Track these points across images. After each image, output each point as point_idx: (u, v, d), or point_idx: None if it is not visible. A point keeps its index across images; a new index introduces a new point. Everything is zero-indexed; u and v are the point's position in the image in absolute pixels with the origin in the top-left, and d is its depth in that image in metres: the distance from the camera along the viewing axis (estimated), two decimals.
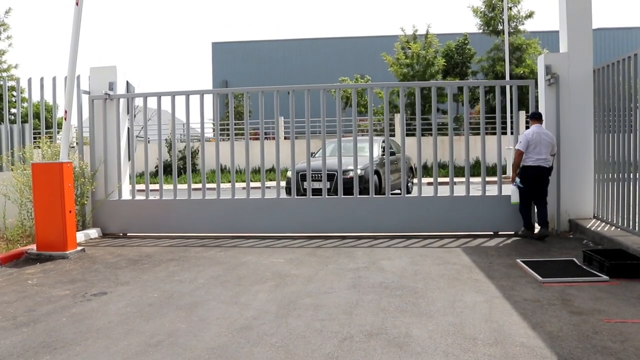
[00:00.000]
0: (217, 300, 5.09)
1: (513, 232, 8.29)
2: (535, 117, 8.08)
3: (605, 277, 5.44)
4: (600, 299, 4.77)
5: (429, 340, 3.88)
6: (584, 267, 5.95)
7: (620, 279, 5.41)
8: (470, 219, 8.44)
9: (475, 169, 22.36)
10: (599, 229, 7.59)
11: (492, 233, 8.40)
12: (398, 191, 14.87)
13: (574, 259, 6.31)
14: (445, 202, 8.61)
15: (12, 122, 10.11)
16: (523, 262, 6.23)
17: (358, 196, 8.76)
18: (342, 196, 8.82)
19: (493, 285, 5.34)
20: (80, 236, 8.37)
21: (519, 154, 7.91)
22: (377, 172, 12.14)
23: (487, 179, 8.93)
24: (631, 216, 7.05)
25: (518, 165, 7.98)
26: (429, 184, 18.39)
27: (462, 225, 8.47)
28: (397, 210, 8.63)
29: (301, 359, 3.62)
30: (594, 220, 8.19)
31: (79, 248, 7.53)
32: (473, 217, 8.43)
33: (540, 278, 5.47)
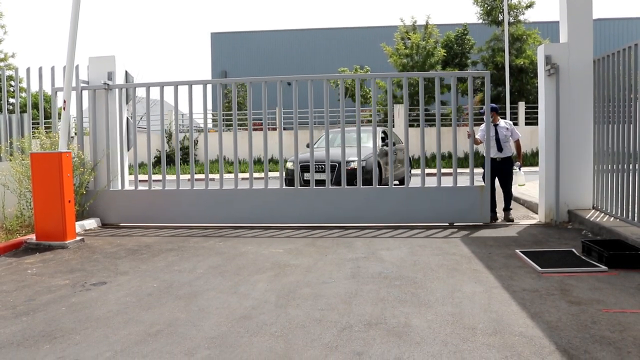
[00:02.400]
0: (216, 290, 5.09)
1: (469, 224, 8.48)
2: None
3: (604, 268, 5.45)
4: (599, 289, 4.78)
5: (428, 330, 3.88)
6: (583, 257, 5.96)
7: (619, 269, 5.42)
8: (426, 210, 8.56)
9: (475, 159, 22.45)
10: (597, 219, 7.60)
11: (447, 224, 8.52)
12: (397, 182, 14.89)
13: (573, 250, 6.32)
14: (401, 193, 8.71)
15: (11, 112, 10.05)
16: (522, 252, 6.24)
17: (314, 187, 8.90)
18: (299, 187, 8.95)
19: (492, 276, 5.35)
20: (80, 226, 8.38)
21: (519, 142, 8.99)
22: (378, 163, 12.10)
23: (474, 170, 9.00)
24: (630, 207, 7.06)
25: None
26: (429, 174, 18.46)
27: (417, 217, 8.58)
28: (354, 201, 8.71)
29: (300, 349, 3.62)
30: (593, 211, 8.20)
31: (78, 238, 7.53)
32: (429, 209, 8.56)
33: (539, 268, 5.48)
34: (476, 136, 8.93)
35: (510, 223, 8.49)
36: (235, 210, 8.85)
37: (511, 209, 8.84)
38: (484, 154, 8.64)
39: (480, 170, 8.84)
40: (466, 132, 8.94)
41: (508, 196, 8.77)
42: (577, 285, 4.93)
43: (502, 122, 8.87)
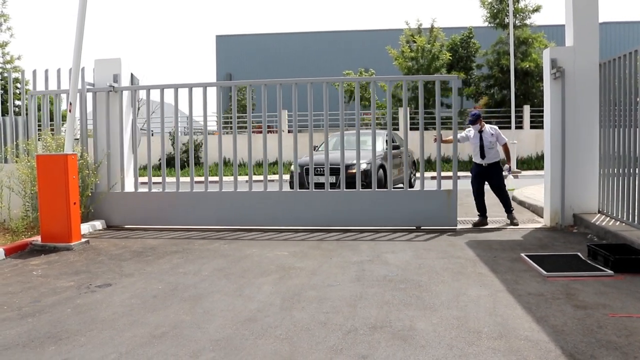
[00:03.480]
0: (221, 292, 5.09)
1: (435, 227, 8.47)
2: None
3: (610, 272, 5.42)
4: (605, 294, 4.76)
5: (433, 334, 3.88)
6: (589, 261, 5.93)
7: (625, 273, 5.39)
8: (393, 213, 8.58)
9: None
10: (603, 223, 7.57)
11: (414, 227, 8.53)
12: (401, 185, 14.85)
13: (579, 254, 6.30)
14: (368, 197, 8.72)
15: (17, 114, 10.09)
16: (527, 256, 6.22)
17: (283, 190, 8.97)
18: (268, 190, 8.99)
19: (497, 279, 5.34)
20: (85, 228, 8.40)
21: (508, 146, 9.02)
22: (382, 166, 12.09)
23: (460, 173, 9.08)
24: (636, 211, 7.03)
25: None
26: (433, 177, 18.43)
27: (384, 220, 8.61)
28: (322, 204, 8.76)
29: (305, 351, 3.62)
30: (599, 214, 8.17)
31: (83, 240, 7.55)
32: (396, 212, 8.57)
33: (545, 272, 5.46)
34: (456, 137, 8.83)
35: (513, 227, 8.44)
36: (238, 213, 8.84)
37: (512, 210, 8.81)
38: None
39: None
40: (433, 137, 8.90)
41: (504, 199, 8.74)
42: (582, 289, 4.91)
43: (487, 128, 8.81)
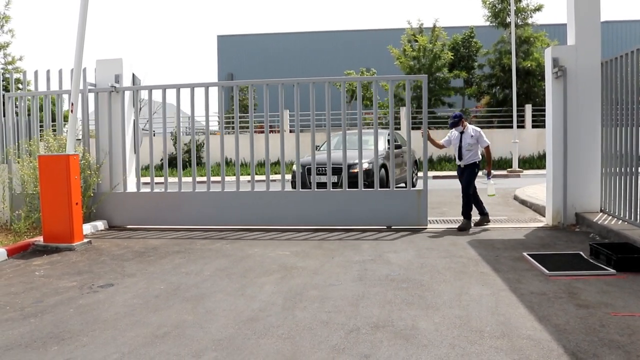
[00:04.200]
0: (223, 292, 5.10)
1: (407, 226, 8.50)
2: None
3: (612, 271, 5.42)
4: (607, 293, 4.75)
5: (435, 333, 3.87)
6: (591, 260, 5.93)
7: (627, 272, 5.39)
8: (365, 213, 8.63)
9: (482, 162, 22.39)
10: (605, 222, 7.56)
11: (385, 227, 8.57)
12: (403, 184, 14.86)
13: (581, 253, 6.29)
14: (340, 196, 8.76)
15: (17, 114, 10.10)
16: (529, 255, 6.22)
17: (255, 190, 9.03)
18: (240, 190, 9.03)
19: (499, 278, 5.33)
20: (87, 228, 8.41)
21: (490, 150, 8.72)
22: (384, 166, 12.08)
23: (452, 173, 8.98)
24: (639, 210, 7.02)
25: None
26: (435, 177, 18.45)
27: (356, 220, 8.66)
28: (296, 203, 8.83)
29: (307, 351, 3.62)
30: (601, 213, 8.15)
31: (85, 240, 7.56)
32: (368, 212, 8.63)
33: (547, 271, 5.46)
34: (441, 141, 8.98)
35: (460, 232, 8.13)
36: (240, 212, 8.85)
37: (471, 218, 8.44)
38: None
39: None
40: (421, 134, 8.84)
41: (465, 203, 8.46)
42: (585, 288, 4.91)
43: (469, 129, 8.64)
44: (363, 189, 8.79)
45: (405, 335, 3.84)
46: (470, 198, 8.50)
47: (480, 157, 8.69)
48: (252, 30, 66.87)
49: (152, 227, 9.04)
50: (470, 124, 9.21)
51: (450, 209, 10.54)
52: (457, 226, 8.37)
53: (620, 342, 3.62)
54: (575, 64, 8.23)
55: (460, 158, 8.66)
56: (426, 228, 8.43)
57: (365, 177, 11.37)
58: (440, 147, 9.03)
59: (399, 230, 8.33)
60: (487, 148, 8.66)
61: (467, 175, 8.56)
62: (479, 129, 8.82)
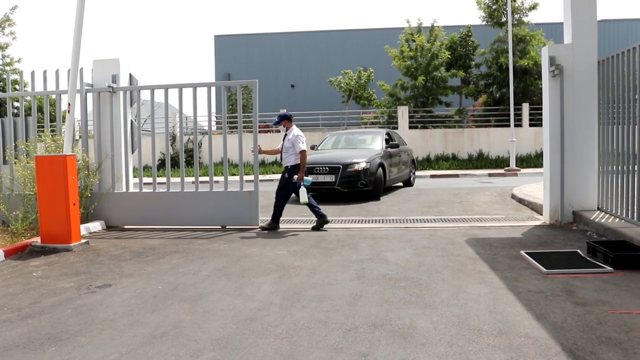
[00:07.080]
0: (221, 292, 5.10)
1: (241, 227, 8.70)
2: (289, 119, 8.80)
3: (609, 269, 5.43)
4: (605, 290, 4.76)
5: (433, 331, 3.88)
6: (588, 258, 5.94)
7: (624, 270, 5.40)
8: (200, 213, 8.80)
9: (479, 161, 22.44)
10: (602, 220, 7.58)
11: (220, 227, 8.76)
12: (401, 184, 14.89)
13: (578, 251, 6.30)
14: (176, 197, 8.96)
15: (16, 115, 10.09)
16: (527, 253, 6.23)
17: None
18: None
19: (497, 277, 5.34)
20: (84, 229, 8.40)
21: (306, 155, 8.58)
22: (382, 165, 12.12)
23: (460, 172, 8.96)
24: (635, 208, 7.04)
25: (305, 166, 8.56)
26: (432, 176, 18.46)
27: (191, 220, 8.86)
28: (135, 203, 9.04)
29: (306, 350, 3.62)
30: (598, 211, 8.17)
31: (83, 240, 7.55)
32: (203, 212, 8.80)
33: (544, 269, 5.47)
34: (278, 146, 9.03)
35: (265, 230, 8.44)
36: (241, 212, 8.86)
37: (278, 222, 8.62)
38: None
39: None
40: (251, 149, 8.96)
41: (275, 206, 8.61)
42: (582, 286, 4.92)
43: (291, 132, 8.62)
44: (199, 190, 8.98)
45: (403, 334, 3.84)
46: (279, 201, 8.61)
47: (299, 161, 8.53)
48: (249, 30, 66.81)
49: (150, 227, 9.04)
50: (468, 123, 9.22)
51: (448, 208, 10.54)
52: (528, 223, 8.54)
53: (617, 339, 3.63)
54: (572, 62, 8.24)
55: (281, 159, 8.78)
56: (257, 227, 8.65)
57: (363, 177, 11.42)
58: (278, 151, 9.07)
59: (233, 230, 8.59)
60: (302, 153, 8.47)
61: (283, 179, 8.69)
62: (299, 133, 8.66)
